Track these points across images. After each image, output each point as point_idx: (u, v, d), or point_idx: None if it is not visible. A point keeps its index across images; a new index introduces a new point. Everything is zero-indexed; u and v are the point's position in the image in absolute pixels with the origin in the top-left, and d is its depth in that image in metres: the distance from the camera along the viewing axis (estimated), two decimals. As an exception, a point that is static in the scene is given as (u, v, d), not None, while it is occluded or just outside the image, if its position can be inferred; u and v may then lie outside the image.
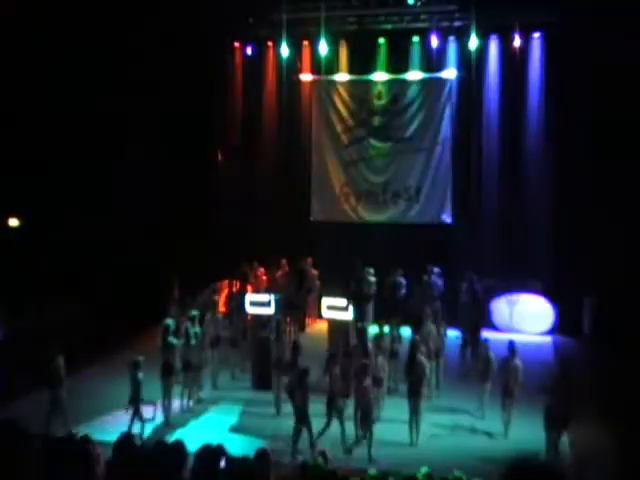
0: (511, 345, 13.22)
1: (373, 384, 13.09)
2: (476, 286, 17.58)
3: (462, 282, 17.84)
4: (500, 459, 11.04)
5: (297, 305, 19.01)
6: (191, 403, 14.35)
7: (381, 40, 20.67)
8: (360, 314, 17.21)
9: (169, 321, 14.58)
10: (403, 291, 18.72)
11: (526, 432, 12.49)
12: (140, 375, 12.56)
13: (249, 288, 18.73)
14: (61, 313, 17.07)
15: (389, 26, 20.48)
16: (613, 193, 17.05)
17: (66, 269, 18.18)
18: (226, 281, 19.46)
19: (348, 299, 15.87)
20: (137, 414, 12.46)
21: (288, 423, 12.60)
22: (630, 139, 16.58)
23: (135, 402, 12.46)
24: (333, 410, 12.39)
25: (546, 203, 19.06)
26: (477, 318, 17.05)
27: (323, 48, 20.28)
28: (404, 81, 20.88)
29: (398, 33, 20.41)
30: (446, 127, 20.62)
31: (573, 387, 12.27)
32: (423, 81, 20.73)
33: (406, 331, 16.30)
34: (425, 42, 20.31)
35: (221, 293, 19.14)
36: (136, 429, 12.18)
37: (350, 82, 21.35)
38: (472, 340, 16.53)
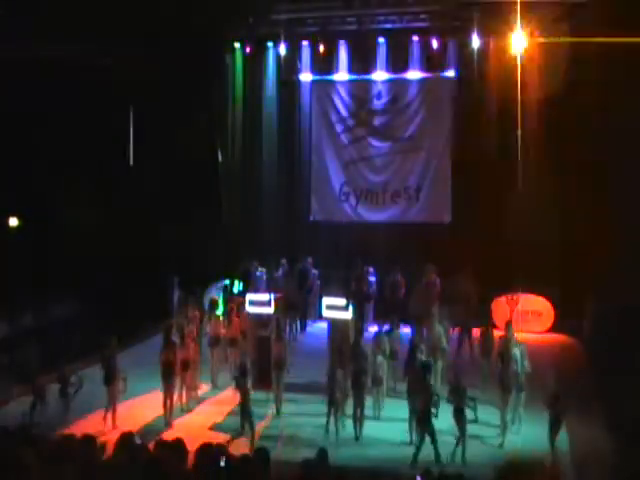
0: (507, 324, 13.64)
1: (373, 384, 13.13)
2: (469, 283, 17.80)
3: (457, 279, 17.97)
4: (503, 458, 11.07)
5: (297, 305, 19.01)
6: (190, 403, 14.34)
7: (381, 40, 20.67)
8: (360, 314, 17.21)
9: (170, 321, 14.54)
10: (403, 291, 18.77)
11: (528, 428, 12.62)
12: None
13: (249, 287, 18.74)
14: (61, 313, 17.09)
15: (388, 26, 20.48)
16: (613, 193, 17.03)
17: (66, 269, 18.18)
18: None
19: (348, 299, 15.87)
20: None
21: (288, 423, 12.60)
22: (630, 139, 16.55)
23: None
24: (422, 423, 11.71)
25: (546, 202, 19.01)
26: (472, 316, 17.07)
27: (323, 48, 20.23)
28: (404, 81, 20.88)
29: (397, 33, 20.40)
30: (446, 127, 20.62)
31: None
32: (423, 81, 20.74)
33: (406, 331, 16.30)
34: (425, 42, 20.31)
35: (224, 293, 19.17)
36: None
37: (350, 82, 21.34)
38: (468, 336, 16.58)
